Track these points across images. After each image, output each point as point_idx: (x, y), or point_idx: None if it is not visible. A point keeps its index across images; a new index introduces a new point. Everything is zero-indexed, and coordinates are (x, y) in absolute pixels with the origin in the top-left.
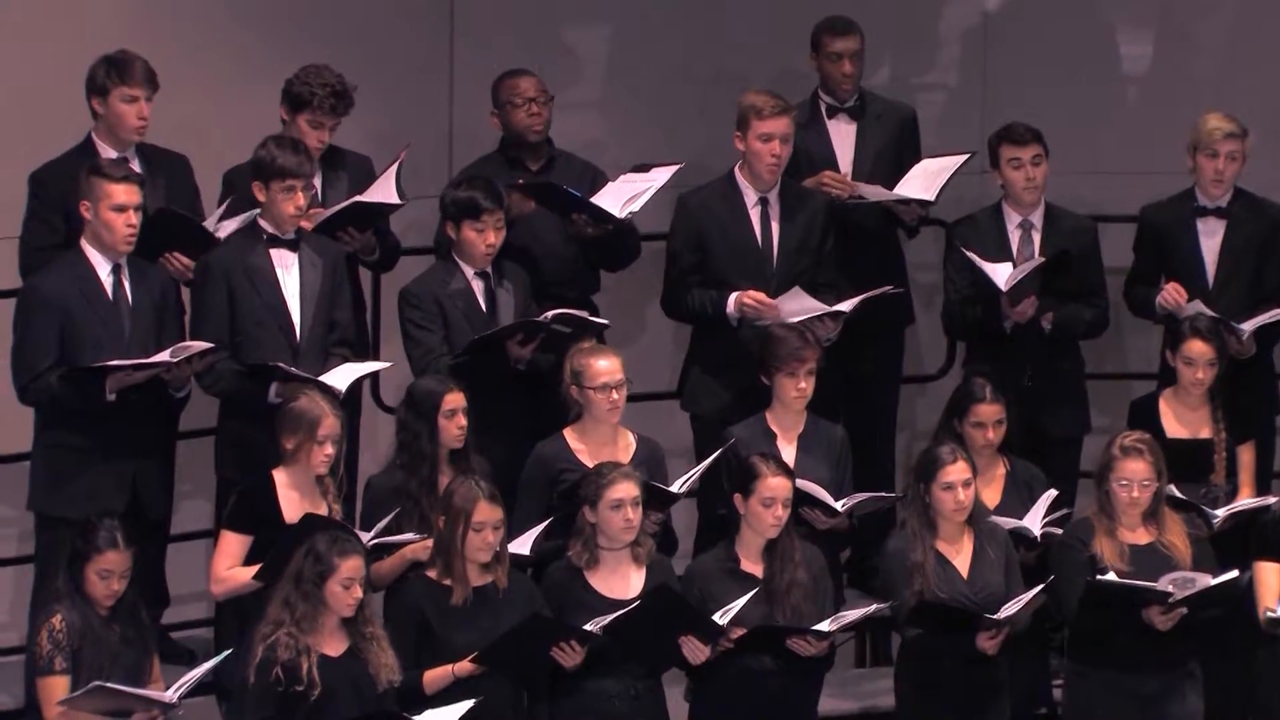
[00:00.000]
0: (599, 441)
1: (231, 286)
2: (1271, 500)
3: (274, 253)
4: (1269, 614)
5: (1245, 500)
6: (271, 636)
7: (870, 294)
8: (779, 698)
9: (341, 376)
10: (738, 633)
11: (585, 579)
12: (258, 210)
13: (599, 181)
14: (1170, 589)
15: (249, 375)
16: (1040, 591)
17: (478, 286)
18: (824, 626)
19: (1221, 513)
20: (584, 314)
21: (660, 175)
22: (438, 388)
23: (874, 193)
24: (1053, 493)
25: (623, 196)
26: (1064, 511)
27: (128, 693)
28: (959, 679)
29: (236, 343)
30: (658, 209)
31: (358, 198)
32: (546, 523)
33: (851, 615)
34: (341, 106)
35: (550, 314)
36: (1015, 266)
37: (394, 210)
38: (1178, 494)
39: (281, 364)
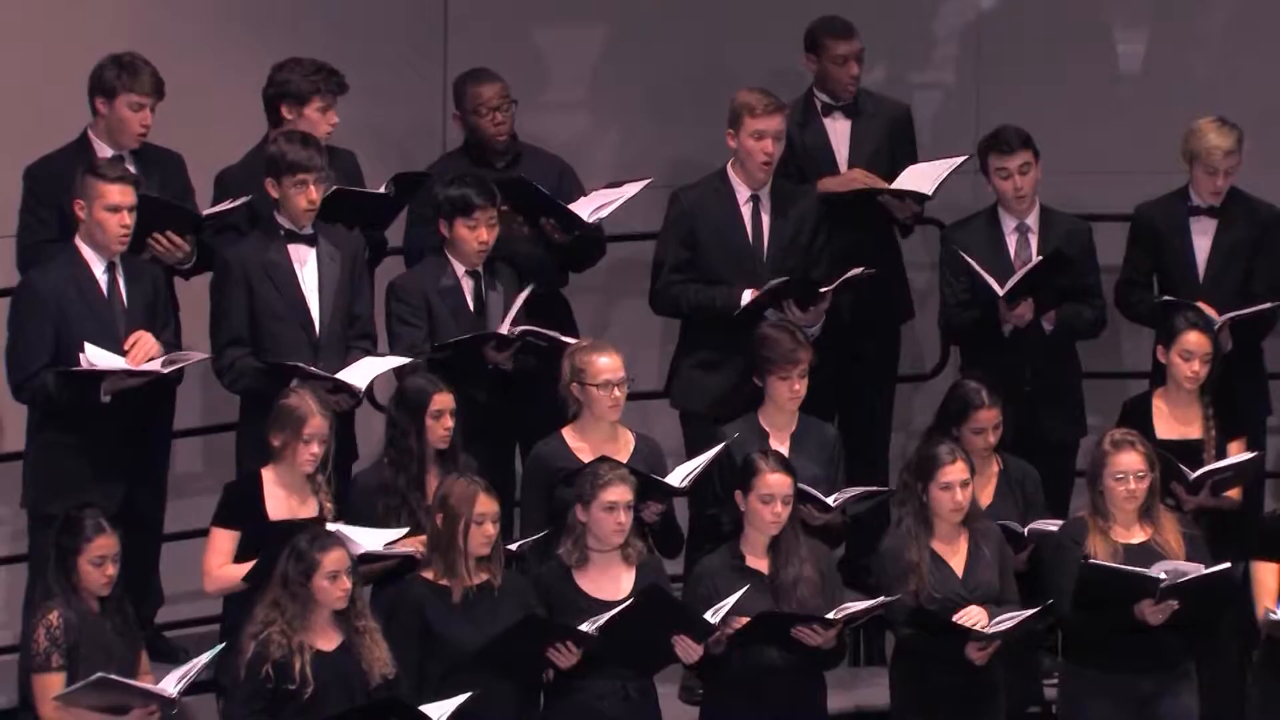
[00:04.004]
0: (598, 440)
1: (250, 283)
2: (1248, 455)
3: (291, 248)
4: (1270, 615)
5: (1229, 459)
6: (262, 634)
7: (848, 275)
8: (788, 694)
9: (360, 374)
10: (741, 621)
11: (575, 580)
12: (247, 198)
13: (567, 174)
14: (1162, 575)
15: (268, 373)
16: (1035, 614)
17: (467, 285)
18: (829, 615)
19: (1200, 472)
20: (555, 334)
21: (630, 189)
22: (427, 387)
23: (916, 179)
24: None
25: (592, 205)
26: None
27: (129, 686)
28: (953, 679)
29: (257, 339)
30: (646, 208)
31: (338, 186)
32: (541, 534)
33: (857, 606)
34: (342, 83)
35: (518, 329)
36: (1014, 269)
37: (377, 201)
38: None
39: (301, 363)
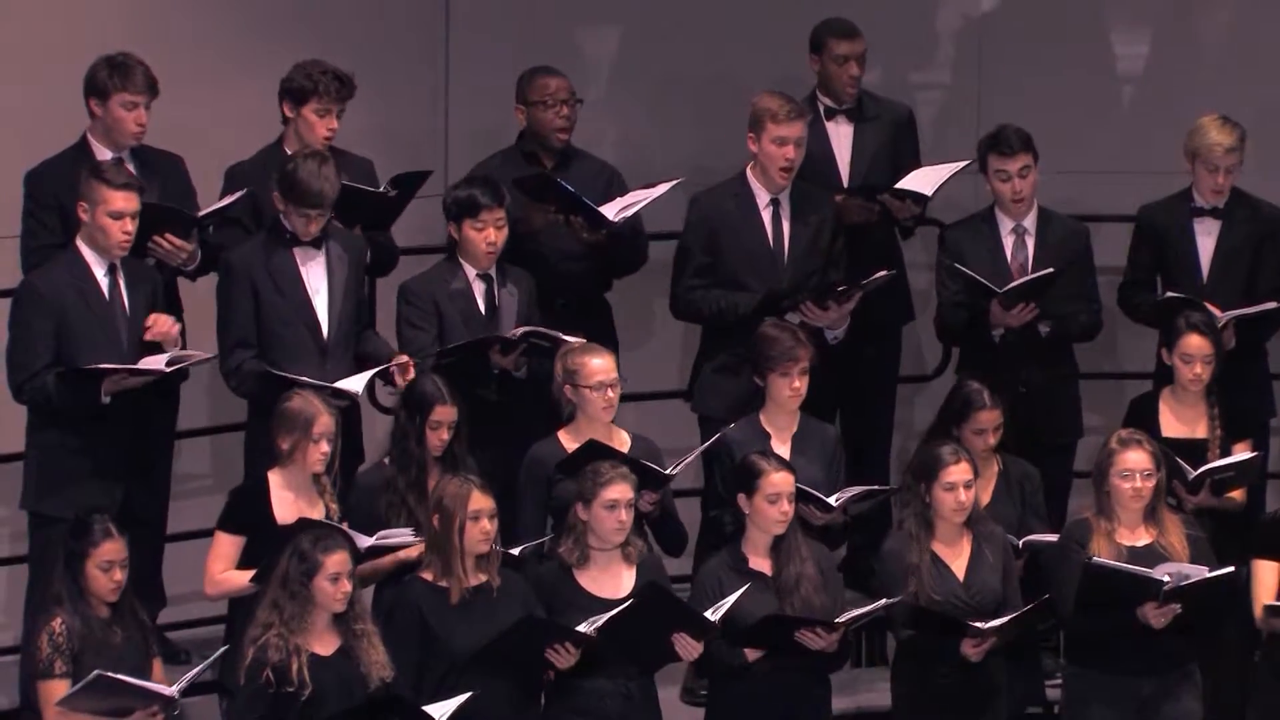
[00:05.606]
0: None
1: (256, 286)
2: (1248, 454)
3: (297, 251)
4: (1268, 605)
5: (1229, 458)
6: (261, 638)
7: (875, 277)
8: (794, 695)
9: (355, 381)
10: (753, 655)
11: (575, 579)
12: (243, 191)
13: (615, 181)
14: (1165, 578)
15: (268, 380)
16: (1032, 610)
17: (478, 288)
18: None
19: (1200, 471)
20: (558, 334)
21: (661, 188)
22: (432, 395)
23: (918, 181)
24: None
25: (619, 205)
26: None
27: (129, 684)
28: (955, 680)
29: (264, 343)
30: (665, 209)
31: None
32: (543, 540)
33: (859, 610)
34: (345, 91)
35: (520, 331)
36: (1010, 270)
37: (378, 201)
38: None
39: (298, 374)
